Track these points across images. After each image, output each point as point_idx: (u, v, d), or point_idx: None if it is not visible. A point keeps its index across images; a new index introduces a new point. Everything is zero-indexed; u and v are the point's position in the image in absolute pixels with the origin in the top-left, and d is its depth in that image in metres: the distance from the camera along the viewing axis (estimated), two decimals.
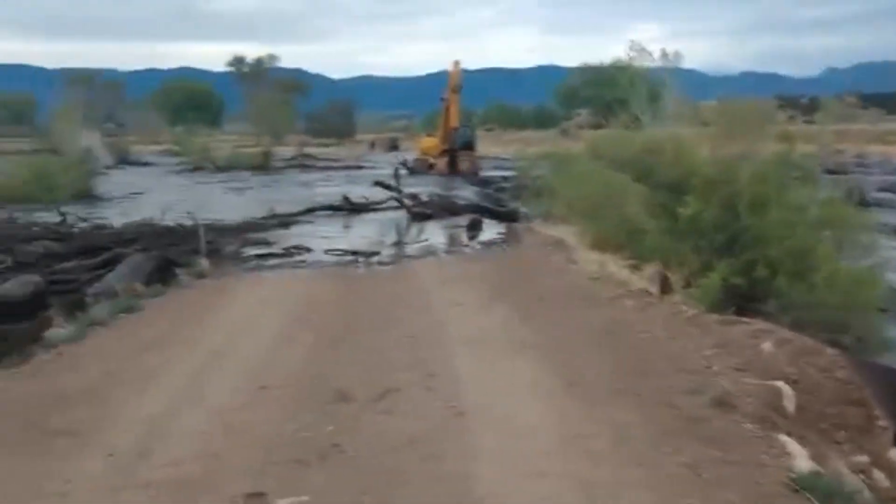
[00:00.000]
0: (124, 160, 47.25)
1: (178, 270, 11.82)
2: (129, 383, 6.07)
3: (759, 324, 7.15)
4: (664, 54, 28.62)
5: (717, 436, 4.78)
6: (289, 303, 9.21)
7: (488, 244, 14.67)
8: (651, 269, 11.48)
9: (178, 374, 6.31)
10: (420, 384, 5.93)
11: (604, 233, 13.80)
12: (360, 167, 44.18)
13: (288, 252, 13.87)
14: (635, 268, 11.91)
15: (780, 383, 5.54)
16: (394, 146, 67.87)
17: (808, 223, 11.60)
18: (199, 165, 43.65)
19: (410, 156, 42.76)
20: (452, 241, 15.45)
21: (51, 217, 17.66)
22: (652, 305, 8.34)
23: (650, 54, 28.44)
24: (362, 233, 16.94)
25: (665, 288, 10.41)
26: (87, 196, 26.92)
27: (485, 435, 4.93)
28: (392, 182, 22.82)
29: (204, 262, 12.17)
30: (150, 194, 27.15)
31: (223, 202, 23.74)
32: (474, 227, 16.86)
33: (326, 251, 13.80)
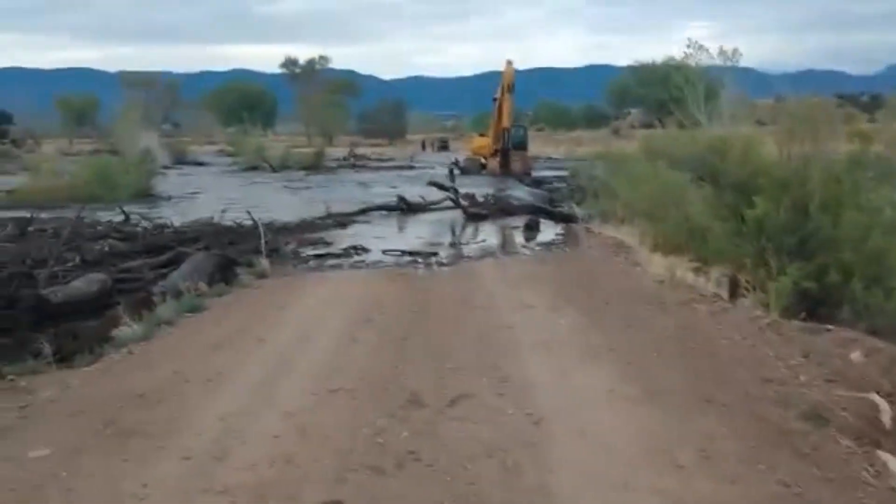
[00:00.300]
0: (181, 160, 48.09)
1: (238, 270, 11.90)
2: (199, 383, 6.05)
3: (843, 331, 6.83)
4: (722, 52, 27.98)
5: (813, 452, 4.54)
6: (352, 303, 9.15)
7: (547, 245, 14.45)
8: (717, 271, 11.17)
9: (248, 375, 6.27)
10: (493, 389, 5.78)
11: (666, 234, 13.48)
12: (411, 167, 44.27)
13: (346, 252, 13.86)
14: (700, 270, 11.60)
15: (874, 396, 5.25)
16: (444, 146, 67.91)
17: (885, 226, 11.13)
18: (254, 165, 44.23)
19: (460, 156, 42.67)
20: (511, 242, 15.25)
21: (113, 216, 18.02)
22: (725, 311, 8.06)
23: (708, 52, 27.87)
24: (418, 233, 16.88)
25: (734, 291, 10.10)
26: (146, 195, 27.41)
27: (564, 445, 4.77)
28: (447, 182, 22.75)
29: (264, 262, 12.19)
30: (207, 194, 27.55)
31: (279, 202, 23.92)
32: (532, 228, 16.66)
33: (384, 251, 13.74)
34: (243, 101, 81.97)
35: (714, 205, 12.86)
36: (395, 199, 21.07)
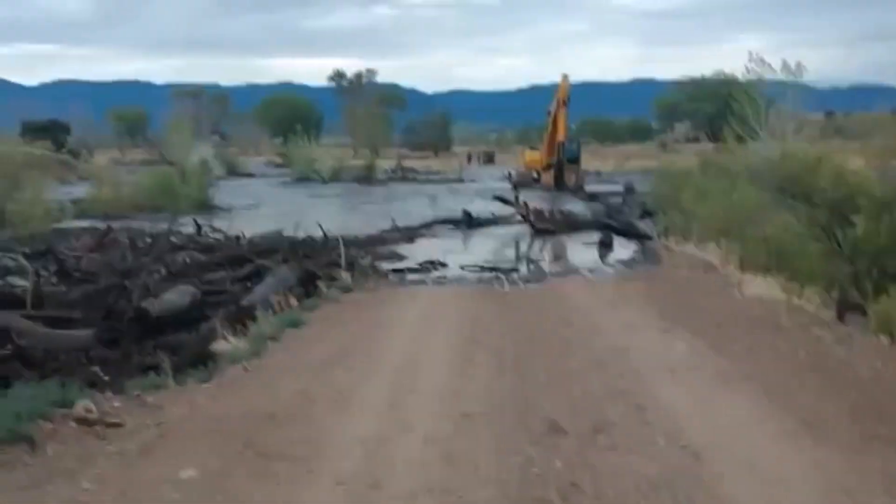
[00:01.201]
0: (232, 171, 48.62)
1: (319, 283, 11.82)
2: (325, 403, 5.90)
3: None
4: (786, 66, 27.39)
5: None
6: (450, 321, 8.99)
7: (627, 263, 14.15)
8: (813, 292, 10.79)
9: (373, 396, 6.12)
10: (634, 418, 5.54)
11: (752, 253, 13.10)
12: (461, 180, 44.18)
13: (424, 267, 13.73)
14: (794, 291, 11.22)
15: None
16: (490, 159, 67.76)
17: None
18: (305, 177, 44.52)
19: (506, 169, 42.55)
20: (565, 258, 14.97)
21: (175, 226, 18.11)
22: (850, 336, 7.69)
23: (770, 66, 27.34)
24: (486, 247, 16.71)
25: (841, 314, 9.72)
26: (205, 206, 27.66)
27: (733, 481, 4.50)
28: (509, 196, 22.58)
29: (345, 276, 12.11)
30: (265, 205, 27.69)
31: (340, 214, 23.95)
32: (606, 245, 16.37)
33: (463, 267, 13.57)
34: (290, 114, 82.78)
35: (806, 224, 12.48)
36: (455, 213, 20.96)
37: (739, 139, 25.94)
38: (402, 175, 47.72)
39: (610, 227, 18.98)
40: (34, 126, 50.57)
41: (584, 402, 5.93)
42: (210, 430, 5.33)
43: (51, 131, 51.70)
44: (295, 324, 8.65)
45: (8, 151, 24.22)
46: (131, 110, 75.97)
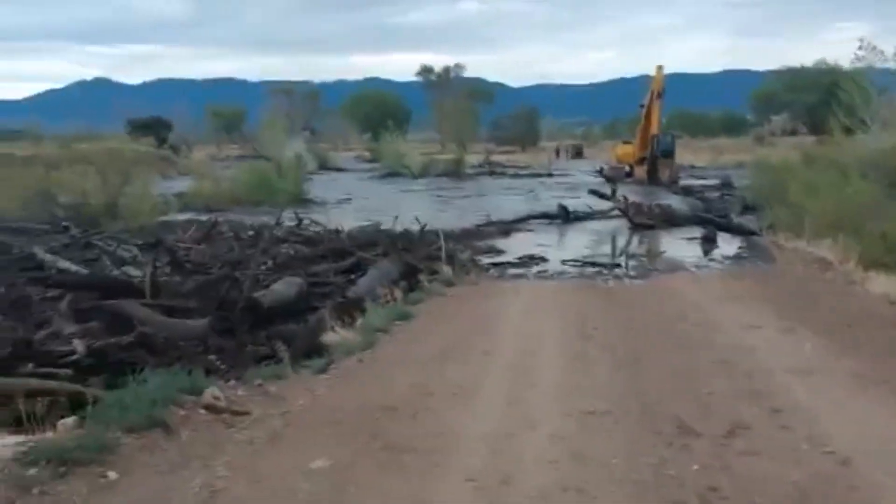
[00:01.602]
0: (323, 166, 49.54)
1: (421, 277, 11.82)
2: (444, 397, 5.84)
3: None
4: None
5: None
6: (557, 315, 8.81)
7: (734, 259, 13.61)
8: None
9: (491, 390, 6.03)
10: (770, 420, 5.26)
11: (872, 249, 12.38)
12: (550, 175, 43.71)
13: (523, 261, 13.57)
14: None
15: None
16: (578, 153, 66.87)
17: None
18: (394, 172, 44.95)
19: (597, 164, 41.81)
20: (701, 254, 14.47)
21: (280, 220, 18.49)
22: None
23: (881, 53, 25.89)
24: (583, 242, 16.42)
25: None
26: (301, 200, 28.22)
27: (893, 492, 4.19)
28: (605, 190, 22.12)
29: (446, 269, 12.08)
30: (358, 199, 28.05)
31: (432, 208, 23.99)
32: (710, 241, 15.81)
33: (564, 261, 13.34)
34: (378, 109, 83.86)
35: None
36: (549, 207, 20.69)
37: (847, 131, 24.69)
38: (491, 170, 47.55)
39: (712, 222, 18.34)
40: (139, 123, 52.80)
41: (713, 402, 5.68)
42: (334, 420, 5.34)
43: (154, 128, 53.88)
44: (403, 316, 8.64)
45: (118, 148, 25.38)
46: (228, 107, 78.46)
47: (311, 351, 8.31)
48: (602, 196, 20.93)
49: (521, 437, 5.05)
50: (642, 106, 37.35)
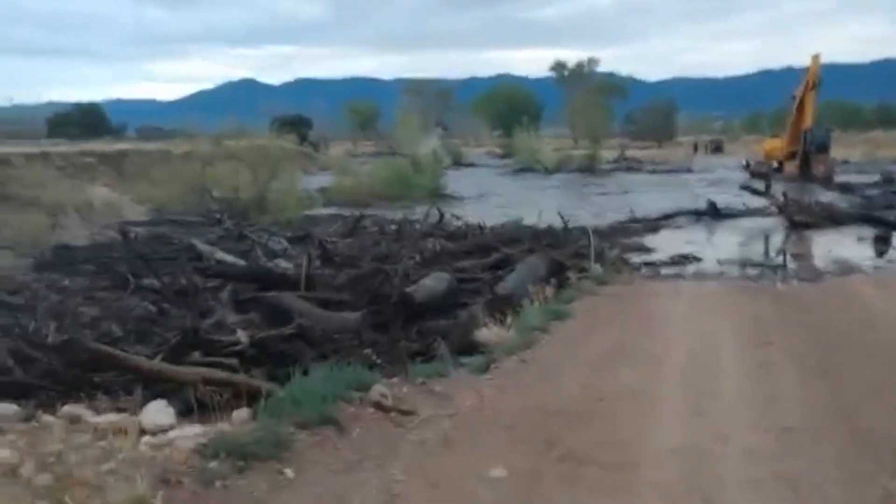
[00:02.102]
0: (457, 162, 49.77)
1: (569, 274, 11.40)
2: (618, 403, 5.46)
3: None
4: None
5: None
6: (727, 318, 8.19)
7: None
8: None
9: (669, 398, 5.59)
10: None
11: None
12: (690, 170, 41.99)
13: (676, 260, 12.88)
14: None
15: None
16: (718, 148, 64.04)
17: None
18: (527, 167, 44.55)
19: (735, 159, 39.74)
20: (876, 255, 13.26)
21: (430, 215, 18.53)
22: None
23: None
24: (737, 240, 15.45)
25: None
26: (438, 195, 28.34)
27: None
28: (757, 186, 20.84)
29: (597, 268, 11.60)
30: (495, 195, 27.84)
31: (570, 204, 23.40)
32: (883, 240, 14.48)
33: (720, 261, 12.55)
34: (509, 105, 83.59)
35: None
36: (693, 203, 19.68)
37: None
38: (627, 165, 46.27)
39: (882, 221, 16.82)
40: (282, 121, 54.87)
41: None
42: (505, 424, 5.08)
43: (296, 126, 55.81)
44: (560, 315, 8.29)
45: (266, 145, 26.39)
46: (365, 105, 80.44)
47: (464, 348, 8.17)
48: (755, 192, 19.72)
49: (713, 452, 4.60)
50: (794, 98, 35.08)
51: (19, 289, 10.64)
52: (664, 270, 11.91)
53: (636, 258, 13.27)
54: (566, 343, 7.23)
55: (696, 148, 62.92)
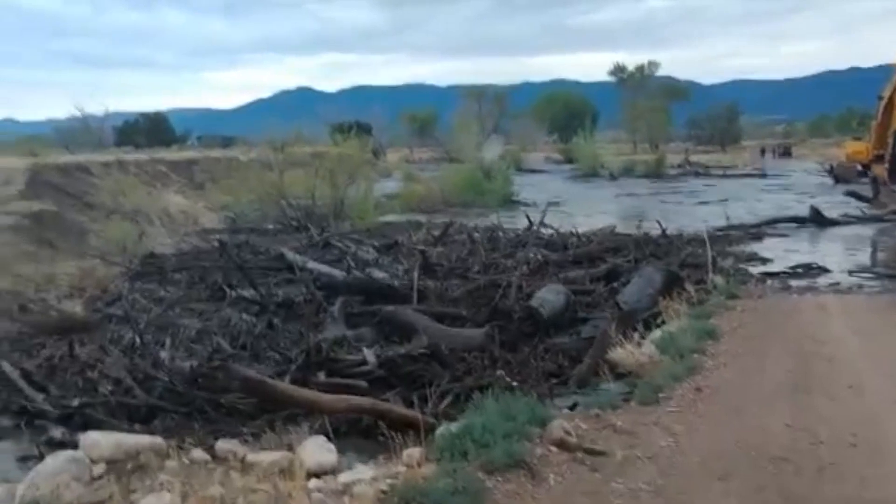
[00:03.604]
0: (518, 167, 48.95)
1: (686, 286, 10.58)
2: (840, 447, 4.67)
3: None
4: None
5: None
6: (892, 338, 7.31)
7: None
8: None
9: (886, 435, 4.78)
10: None
11: None
12: (764, 175, 40.48)
13: (799, 271, 11.95)
14: None
15: None
16: (786, 152, 62.02)
17: None
18: (592, 173, 43.55)
19: (804, 163, 38.10)
20: None
21: (478, 221, 17.88)
22: None
23: None
24: (855, 248, 14.44)
25: None
26: (510, 201, 27.63)
27: None
28: (861, 192, 19.64)
29: (718, 280, 10.76)
30: (569, 201, 26.99)
31: (654, 210, 22.46)
32: None
33: (851, 272, 11.59)
34: (566, 109, 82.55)
35: None
36: (782, 210, 18.60)
37: None
38: (695, 170, 44.89)
39: None
40: (342, 128, 54.78)
41: None
42: (718, 472, 4.34)
43: (356, 132, 55.67)
44: (711, 335, 7.49)
45: (325, 152, 26.08)
46: (422, 112, 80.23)
47: (597, 370, 7.47)
48: (861, 198, 18.53)
49: None
50: (880, 98, 33.36)
51: (117, 299, 10.28)
52: (792, 283, 10.99)
53: (752, 268, 12.38)
54: (735, 368, 6.43)
55: (763, 152, 60.91)
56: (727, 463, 4.44)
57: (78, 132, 49.34)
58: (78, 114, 49.91)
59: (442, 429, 4.75)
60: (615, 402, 5.56)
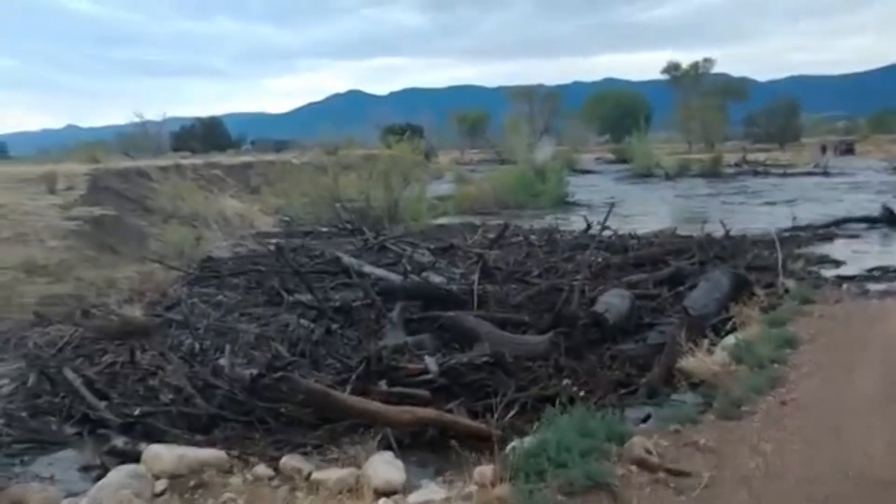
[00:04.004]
0: (571, 168, 48.35)
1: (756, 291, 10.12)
2: None
3: None
4: None
5: None
6: None
7: None
8: None
9: None
10: None
11: None
12: (826, 173, 39.18)
13: (877, 274, 11.39)
14: None
15: None
16: (849, 150, 60.06)
17: None
18: (647, 173, 42.74)
19: (867, 161, 36.71)
20: None
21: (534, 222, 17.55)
22: None
23: None
24: None
25: None
26: (564, 203, 27.24)
27: None
28: None
29: (790, 283, 10.28)
30: (626, 202, 26.43)
31: (716, 210, 21.85)
32: None
33: None
34: (617, 109, 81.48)
35: None
36: (854, 209, 17.83)
37: None
38: (753, 169, 43.70)
39: None
40: (394, 130, 54.92)
41: None
42: (819, 498, 4.00)
43: (401, 134, 55.76)
44: (790, 343, 7.09)
45: (378, 154, 26.08)
46: (472, 113, 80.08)
47: (668, 379, 7.14)
48: None
49: None
50: None
51: (176, 303, 10.29)
52: (871, 286, 10.45)
53: (824, 271, 11.85)
54: (821, 379, 6.04)
55: (824, 149, 58.99)
56: (827, 487, 4.11)
57: (137, 138, 50.47)
58: (137, 120, 50.99)
59: (515, 445, 4.50)
60: (693, 415, 5.24)
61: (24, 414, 6.21)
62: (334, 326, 8.68)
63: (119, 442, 5.60)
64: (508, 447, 4.55)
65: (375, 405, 5.15)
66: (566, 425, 4.56)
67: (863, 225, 17.08)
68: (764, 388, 5.80)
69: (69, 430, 6.01)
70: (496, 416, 6.14)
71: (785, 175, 40.03)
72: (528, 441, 4.44)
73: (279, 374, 5.27)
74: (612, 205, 11.54)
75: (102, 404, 6.18)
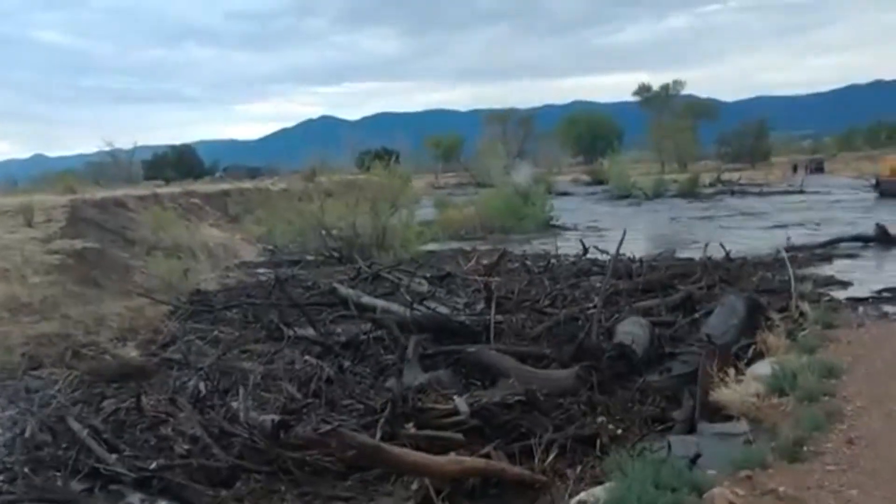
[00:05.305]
0: (548, 190, 48.35)
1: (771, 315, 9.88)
2: None
3: None
4: None
5: None
6: None
7: None
8: None
9: None
10: None
11: None
12: (801, 191, 39.59)
13: (886, 295, 11.23)
14: None
15: None
16: (819, 168, 60.97)
17: None
18: (625, 193, 42.82)
19: (838, 179, 37.19)
20: None
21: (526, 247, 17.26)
22: None
23: None
24: None
25: None
26: (549, 226, 27.04)
27: None
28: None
29: (805, 307, 10.04)
30: (611, 225, 26.31)
31: (705, 232, 21.74)
32: None
33: None
34: (591, 131, 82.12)
35: None
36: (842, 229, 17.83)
37: None
38: (730, 189, 44.03)
39: None
40: (371, 155, 54.60)
41: None
42: None
43: (382, 159, 55.45)
44: (832, 372, 6.81)
45: (354, 179, 25.73)
46: (447, 137, 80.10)
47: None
48: None
49: None
50: None
51: (172, 341, 9.78)
52: (887, 309, 10.27)
53: (833, 292, 11.67)
54: (881, 414, 5.74)
55: (795, 168, 59.87)
56: None
57: (107, 166, 49.51)
58: (106, 148, 50.05)
59: (585, 498, 4.12)
60: (759, 457, 4.90)
61: (25, 469, 5.67)
62: (345, 363, 8.25)
63: (135, 499, 5.14)
64: (574, 501, 4.17)
65: (422, 457, 4.76)
66: (639, 475, 4.19)
67: (857, 244, 17.04)
68: (823, 424, 5.48)
69: (77, 486, 5.49)
70: (537, 459, 5.80)
71: (761, 194, 40.40)
72: (599, 493, 4.07)
73: (327, 427, 4.79)
74: (625, 231, 11.20)
75: (113, 457, 5.68)
